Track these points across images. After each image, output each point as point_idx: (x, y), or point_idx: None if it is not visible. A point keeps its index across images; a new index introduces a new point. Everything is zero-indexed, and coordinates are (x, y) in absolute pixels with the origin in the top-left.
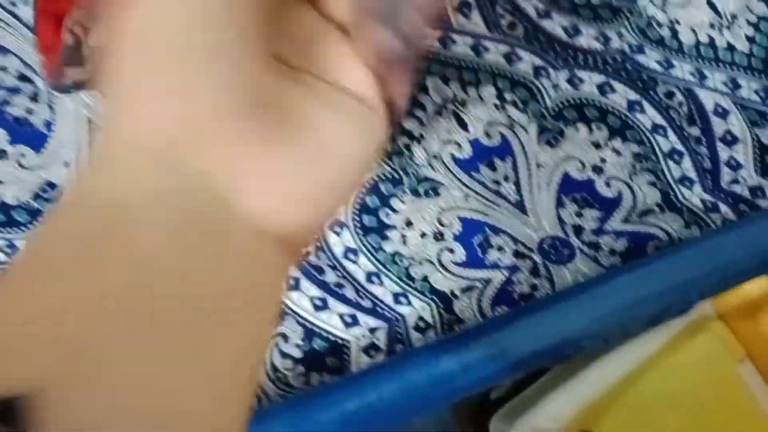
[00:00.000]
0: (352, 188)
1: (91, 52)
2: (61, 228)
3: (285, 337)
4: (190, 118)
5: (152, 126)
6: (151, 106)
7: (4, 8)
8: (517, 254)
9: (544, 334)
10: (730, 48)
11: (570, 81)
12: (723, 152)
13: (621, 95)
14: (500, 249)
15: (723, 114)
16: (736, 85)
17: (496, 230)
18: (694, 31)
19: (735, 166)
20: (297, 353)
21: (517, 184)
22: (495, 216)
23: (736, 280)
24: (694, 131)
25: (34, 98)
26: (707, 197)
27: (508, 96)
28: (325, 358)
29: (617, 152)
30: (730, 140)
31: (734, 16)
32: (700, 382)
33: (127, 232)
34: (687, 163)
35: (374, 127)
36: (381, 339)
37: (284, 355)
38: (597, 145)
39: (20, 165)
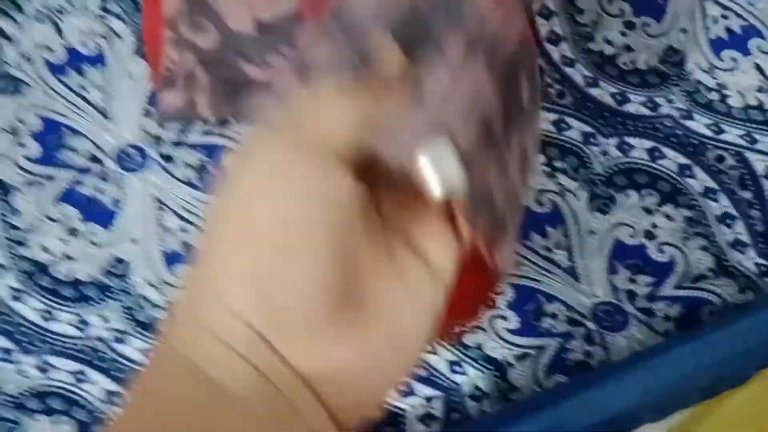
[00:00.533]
0: (413, 364)
1: (184, 78)
2: (156, 397)
3: None
4: (275, 307)
5: (238, 308)
6: (238, 290)
7: (75, 92)
8: (570, 321)
9: (601, 407)
10: None
11: (619, 147)
12: None
13: (671, 160)
14: (554, 316)
15: None
16: None
17: (549, 297)
18: (742, 94)
19: None
20: None
21: (569, 250)
22: (548, 283)
23: None
24: (746, 195)
25: (104, 178)
26: (761, 261)
27: (557, 163)
28: (382, 428)
29: (669, 217)
30: None
31: None
32: None
33: (218, 413)
34: (740, 227)
35: (440, 303)
36: (437, 408)
37: None
38: (648, 211)
39: (91, 242)
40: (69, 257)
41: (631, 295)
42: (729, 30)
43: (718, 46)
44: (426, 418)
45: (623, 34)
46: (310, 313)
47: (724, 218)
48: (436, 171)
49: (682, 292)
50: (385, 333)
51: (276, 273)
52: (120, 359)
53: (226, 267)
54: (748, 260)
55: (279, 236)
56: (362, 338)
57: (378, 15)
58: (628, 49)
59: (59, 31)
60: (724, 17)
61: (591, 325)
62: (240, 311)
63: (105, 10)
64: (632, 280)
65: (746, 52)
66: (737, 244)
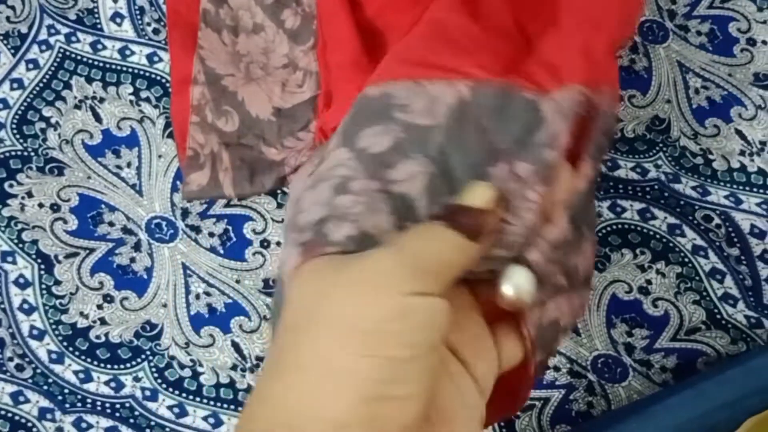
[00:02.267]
0: None
1: (209, 159)
2: None
3: None
4: (378, 424)
5: (343, 421)
6: (345, 407)
7: (111, 171)
8: (572, 373)
9: None
10: (762, 173)
11: (612, 209)
12: (763, 270)
13: (661, 220)
14: (557, 369)
15: (760, 234)
16: None
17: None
18: (726, 158)
19: None
20: None
21: None
22: None
23: None
24: (734, 251)
25: (137, 248)
26: (751, 314)
27: None
28: None
29: (661, 274)
30: None
31: (763, 143)
32: None
33: None
34: (729, 281)
35: (483, 412)
36: None
37: None
38: (642, 268)
39: (124, 307)
40: (104, 322)
41: (629, 348)
42: (710, 99)
43: (700, 114)
44: None
45: None
46: (406, 428)
47: (714, 274)
48: (516, 293)
49: (677, 344)
50: None
51: (382, 391)
52: (150, 416)
53: (326, 382)
54: (739, 313)
55: (386, 351)
56: None
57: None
58: (618, 119)
59: (97, 116)
60: (705, 88)
61: (592, 376)
62: (347, 426)
63: (137, 96)
64: (629, 334)
65: (728, 120)
66: (728, 298)
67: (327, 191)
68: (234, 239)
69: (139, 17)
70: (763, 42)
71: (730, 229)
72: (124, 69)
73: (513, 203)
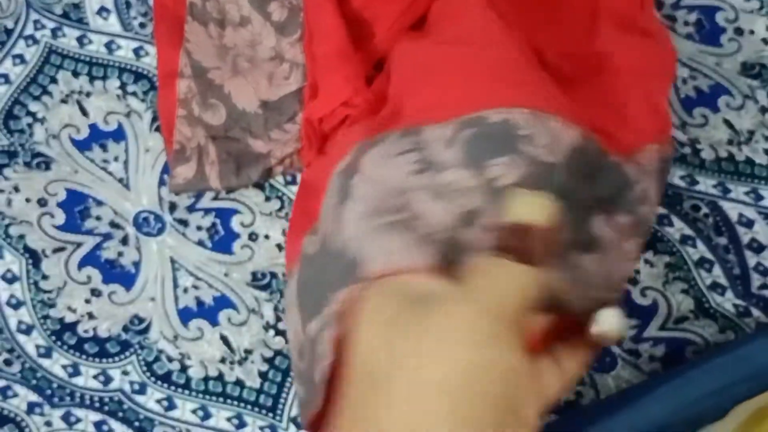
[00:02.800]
0: None
1: (195, 151)
2: None
3: None
4: None
5: None
6: None
7: (98, 165)
8: None
9: None
10: (749, 162)
11: None
12: (751, 259)
13: None
14: None
15: (748, 224)
16: (759, 197)
17: None
18: (714, 148)
19: (763, 271)
20: None
21: None
22: None
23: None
24: (722, 240)
25: (125, 242)
26: (739, 302)
27: None
28: None
29: (650, 263)
30: (756, 247)
31: (751, 132)
32: None
33: None
34: (717, 270)
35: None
36: None
37: None
38: None
39: (112, 301)
40: (92, 316)
41: None
42: (698, 89)
43: (688, 104)
44: None
45: None
46: None
47: (702, 263)
48: (610, 333)
49: (665, 334)
50: None
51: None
52: (139, 409)
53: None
54: (727, 302)
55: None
56: None
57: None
58: None
59: (83, 111)
60: (693, 77)
61: None
62: None
63: (124, 90)
64: None
65: (716, 109)
66: (716, 287)
67: (450, 217)
68: (222, 232)
69: (125, 11)
70: (751, 32)
71: (718, 218)
72: (111, 63)
73: (612, 253)
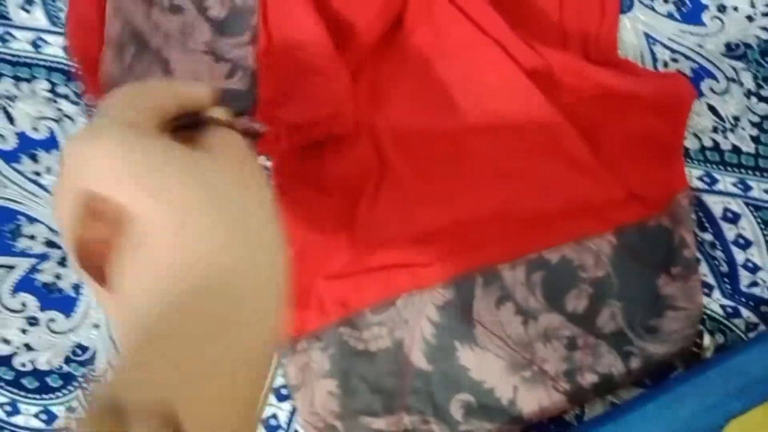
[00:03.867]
0: None
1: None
2: None
3: None
4: None
5: None
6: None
7: (28, 179)
8: None
9: None
10: (736, 150)
11: None
12: (739, 255)
13: None
14: None
15: (733, 219)
16: (747, 187)
17: None
18: (698, 136)
19: (752, 268)
20: None
21: None
22: None
23: (763, 398)
24: (707, 237)
25: (62, 263)
26: (727, 303)
27: None
28: None
29: None
30: (743, 243)
31: (736, 119)
32: None
33: None
34: (703, 268)
35: None
36: None
37: None
38: None
39: (51, 330)
40: (30, 347)
41: None
42: (680, 73)
43: None
44: None
45: None
46: None
47: None
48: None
49: None
50: None
51: None
52: None
53: None
54: (714, 303)
55: None
56: None
57: None
58: None
59: (9, 117)
60: (674, 60)
61: None
62: None
63: (54, 92)
64: None
65: (699, 94)
66: (703, 287)
67: (562, 349)
68: None
69: (51, 3)
70: (734, 8)
71: (701, 213)
72: (38, 62)
73: (681, 294)
